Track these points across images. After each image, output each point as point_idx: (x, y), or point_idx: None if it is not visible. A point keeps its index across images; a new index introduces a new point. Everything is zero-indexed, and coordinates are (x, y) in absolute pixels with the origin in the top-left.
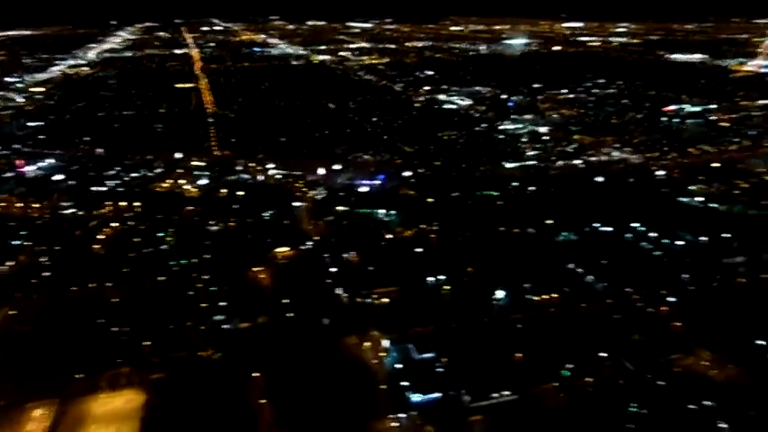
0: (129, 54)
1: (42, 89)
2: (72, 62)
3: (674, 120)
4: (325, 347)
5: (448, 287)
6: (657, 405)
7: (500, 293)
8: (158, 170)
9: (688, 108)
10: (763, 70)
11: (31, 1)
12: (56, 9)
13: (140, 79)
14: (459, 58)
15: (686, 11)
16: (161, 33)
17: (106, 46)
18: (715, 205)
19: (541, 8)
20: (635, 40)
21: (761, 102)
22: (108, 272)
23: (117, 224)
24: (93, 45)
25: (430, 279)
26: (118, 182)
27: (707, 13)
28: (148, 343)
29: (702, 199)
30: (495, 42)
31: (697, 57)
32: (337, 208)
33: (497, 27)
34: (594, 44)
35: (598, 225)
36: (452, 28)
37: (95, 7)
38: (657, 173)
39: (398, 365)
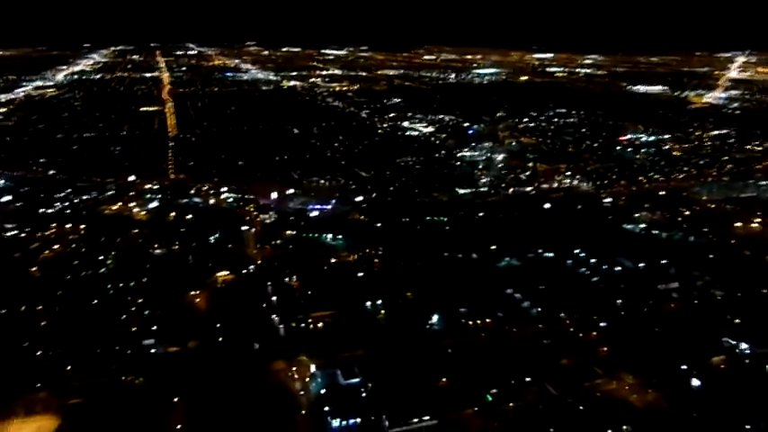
0: (98, 76)
1: (3, 110)
2: (39, 83)
3: (628, 149)
4: (251, 373)
5: (383, 312)
6: (576, 429)
7: (434, 318)
8: (110, 193)
9: (643, 138)
10: (719, 102)
11: (4, 22)
12: (30, 31)
13: (105, 102)
14: (428, 87)
15: (653, 44)
16: (134, 57)
17: (76, 68)
18: (656, 232)
19: (514, 39)
20: (600, 72)
21: (714, 132)
22: (41, 294)
23: (58, 247)
24: (63, 67)
25: (368, 304)
26: (66, 204)
27: (672, 47)
28: (71, 368)
29: (645, 226)
30: (464, 71)
31: (658, 89)
32: (286, 232)
33: (469, 57)
34: (561, 75)
35: (541, 251)
36: (425, 57)
37: (70, 30)
38: (605, 200)
39: (323, 391)
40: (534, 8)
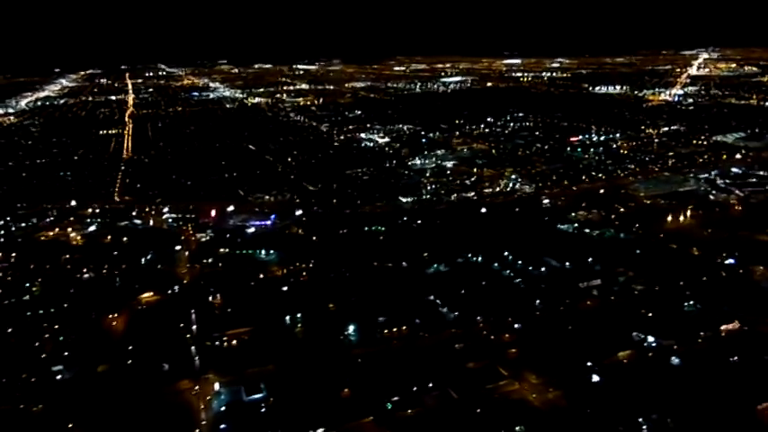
0: (62, 101)
1: None
2: (0, 111)
3: (578, 149)
4: (155, 393)
5: (300, 326)
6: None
7: (350, 329)
8: (49, 219)
9: (594, 138)
10: (674, 99)
11: None
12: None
13: (65, 127)
14: (392, 98)
15: (620, 45)
16: (103, 80)
17: (42, 94)
18: (588, 230)
19: (486, 47)
20: (565, 75)
21: (664, 129)
22: None
23: None
24: (28, 93)
25: (287, 318)
26: (2, 232)
27: (640, 47)
28: None
29: (577, 225)
30: (431, 81)
31: (618, 89)
32: (219, 250)
33: (439, 66)
34: (526, 79)
35: (470, 255)
36: (395, 68)
37: (40, 56)
38: (544, 201)
39: (223, 408)
40: (508, 15)
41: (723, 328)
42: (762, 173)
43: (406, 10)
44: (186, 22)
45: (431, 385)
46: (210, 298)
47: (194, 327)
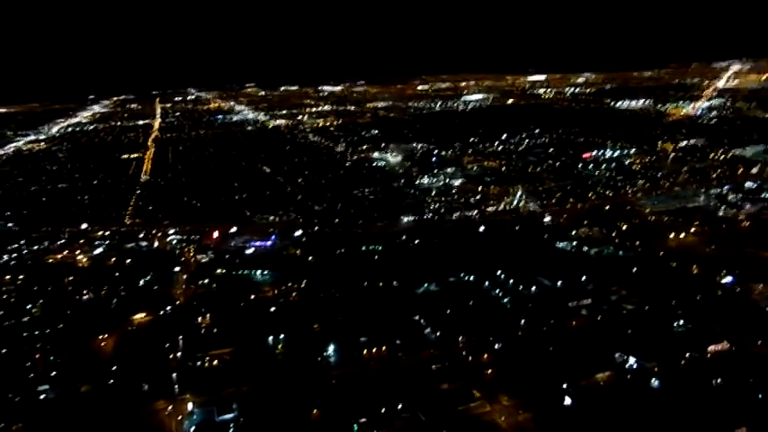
0: (91, 127)
1: None
2: (32, 137)
3: (589, 166)
4: (130, 413)
5: (281, 347)
6: None
7: (331, 349)
8: (60, 242)
9: (608, 153)
10: (698, 113)
11: (11, 79)
12: (37, 86)
13: (89, 152)
14: (411, 117)
15: (649, 58)
16: (133, 105)
17: (74, 120)
18: (586, 248)
19: (511, 63)
20: (588, 90)
21: (682, 144)
22: None
23: None
24: (60, 120)
25: (270, 338)
26: (14, 255)
27: (670, 60)
28: None
29: (576, 243)
30: (452, 99)
31: (641, 103)
32: (217, 271)
33: (462, 84)
34: (548, 96)
35: (463, 275)
36: (419, 87)
37: (76, 83)
38: (546, 219)
39: (193, 428)
40: (534, 31)
41: (710, 348)
42: None
43: (432, 29)
44: (216, 46)
45: (400, 407)
46: (200, 318)
47: (180, 347)
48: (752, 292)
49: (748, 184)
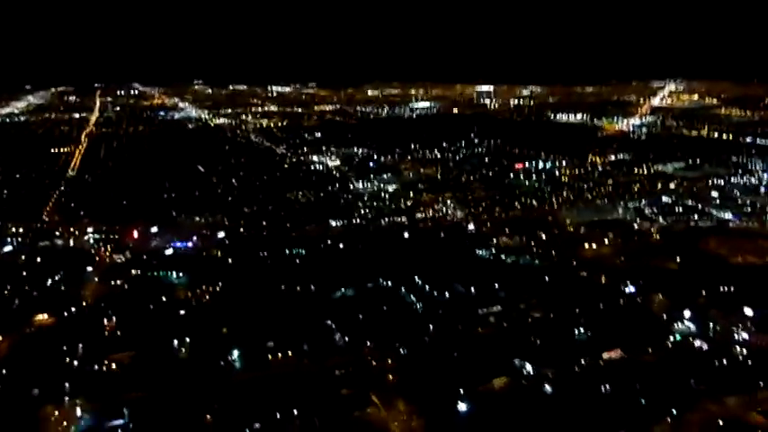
0: (23, 119)
1: None
2: None
3: (520, 176)
4: (14, 419)
5: (186, 350)
6: None
7: (236, 354)
8: None
9: (540, 165)
10: (630, 129)
11: None
12: None
13: (18, 144)
14: (357, 122)
15: (594, 74)
16: (72, 98)
17: (5, 110)
18: (503, 256)
19: (462, 73)
20: (532, 103)
21: (611, 157)
22: None
23: None
24: None
25: (175, 342)
26: None
27: (612, 77)
28: None
29: (495, 252)
30: (400, 105)
31: (578, 117)
32: (131, 272)
33: (413, 91)
34: (492, 106)
35: (381, 280)
36: (369, 92)
37: (12, 71)
38: (470, 227)
39: None
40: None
41: (605, 356)
42: (690, 202)
43: (387, 36)
44: (165, 41)
45: (296, 412)
46: (105, 321)
47: (79, 350)
48: (651, 302)
49: (665, 199)
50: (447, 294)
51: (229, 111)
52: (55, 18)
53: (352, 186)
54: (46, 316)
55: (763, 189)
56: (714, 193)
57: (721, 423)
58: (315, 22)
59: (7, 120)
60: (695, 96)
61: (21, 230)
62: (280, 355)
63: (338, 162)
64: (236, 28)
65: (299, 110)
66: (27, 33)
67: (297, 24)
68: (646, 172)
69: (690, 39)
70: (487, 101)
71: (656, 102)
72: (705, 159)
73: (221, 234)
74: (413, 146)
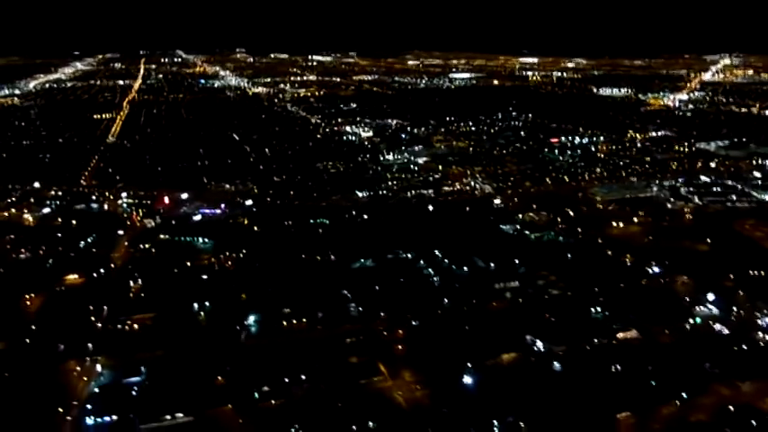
0: (69, 85)
1: None
2: (6, 92)
3: (555, 151)
4: (39, 371)
5: (205, 314)
6: (325, 424)
7: (252, 319)
8: (9, 200)
9: (577, 140)
10: (676, 104)
11: None
12: (22, 39)
13: (63, 110)
14: (394, 92)
15: (643, 47)
16: (117, 64)
17: (53, 76)
18: (528, 233)
19: (507, 44)
20: (576, 75)
21: (652, 134)
22: None
23: None
24: (40, 76)
25: (195, 306)
26: None
27: (663, 50)
28: None
29: (519, 227)
30: (440, 76)
31: (623, 91)
32: (160, 236)
33: (454, 61)
34: (534, 78)
35: (400, 252)
36: (410, 62)
37: (63, 38)
38: (496, 201)
39: (97, 389)
40: (534, 13)
41: (620, 336)
42: (729, 182)
43: (431, 4)
44: (209, 8)
45: (304, 378)
46: (131, 283)
47: (105, 310)
48: (675, 283)
49: (703, 178)
50: (465, 268)
51: (268, 80)
52: None
53: (382, 158)
54: (76, 276)
55: None
56: (757, 174)
57: (732, 409)
58: None
59: (54, 86)
60: (750, 71)
61: (59, 194)
62: (294, 321)
63: (371, 133)
64: None
65: (338, 79)
66: (78, 0)
67: None
68: (686, 149)
69: (750, 10)
70: (530, 73)
71: (707, 76)
72: (751, 138)
73: (249, 202)
74: (448, 118)
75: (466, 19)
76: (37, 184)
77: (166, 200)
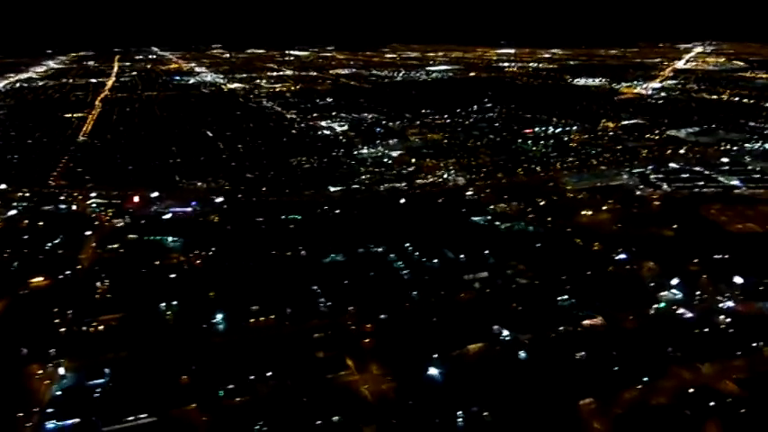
0: (41, 83)
1: None
2: None
3: (528, 142)
4: (1, 376)
5: (172, 313)
6: (292, 419)
7: (219, 317)
8: None
9: (550, 130)
10: (648, 92)
11: None
12: None
13: (33, 109)
14: (370, 86)
15: (619, 37)
16: (90, 63)
17: (24, 75)
18: (498, 223)
19: (484, 36)
20: (551, 66)
21: (624, 122)
22: None
23: None
24: (10, 75)
25: (162, 305)
26: None
27: (638, 39)
28: None
29: (490, 218)
30: (417, 69)
31: (597, 81)
32: (128, 236)
33: (431, 54)
34: (511, 69)
35: (371, 246)
36: (387, 56)
37: (34, 37)
38: (468, 193)
39: (59, 392)
40: (511, 4)
41: (585, 323)
42: (697, 168)
43: None
44: (184, 5)
45: (269, 374)
46: (98, 284)
47: (70, 311)
48: (641, 269)
49: (672, 165)
50: (435, 261)
51: (244, 75)
52: None
53: (356, 152)
54: (41, 279)
55: None
56: (724, 159)
57: (691, 390)
58: None
59: (25, 85)
60: (722, 59)
61: (27, 195)
62: (262, 318)
63: (346, 127)
64: None
65: (314, 74)
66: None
67: None
68: (657, 137)
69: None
70: (506, 64)
71: (680, 64)
72: (720, 124)
73: (220, 199)
74: (423, 111)
75: (444, 12)
76: (3, 186)
77: (136, 199)
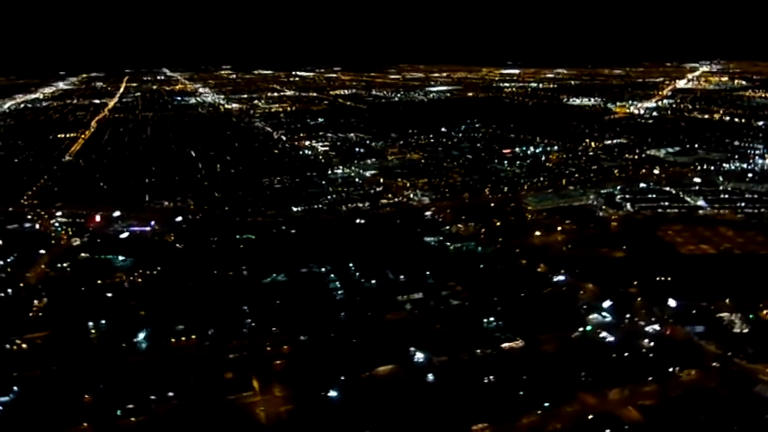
0: (45, 104)
1: None
2: None
3: (504, 162)
4: None
5: (97, 331)
6: None
7: (142, 336)
8: None
9: (530, 150)
10: (641, 112)
11: None
12: (8, 59)
13: (29, 129)
14: (366, 106)
15: (626, 56)
16: (99, 83)
17: (31, 96)
18: (449, 243)
19: (491, 55)
20: (551, 85)
21: (607, 142)
22: None
23: None
24: (19, 96)
25: (90, 323)
26: None
27: (645, 58)
28: None
29: (442, 238)
30: (417, 90)
31: (592, 101)
32: (81, 255)
33: (435, 74)
34: (509, 90)
35: (315, 266)
36: (391, 76)
37: (50, 58)
38: (426, 213)
39: None
40: (518, 25)
41: (504, 345)
42: (667, 188)
43: (418, 18)
44: (196, 27)
45: (171, 394)
46: (36, 302)
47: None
48: (578, 291)
49: (642, 185)
50: (374, 281)
51: (245, 96)
52: (92, 4)
53: (330, 172)
54: None
55: (750, 175)
56: (696, 179)
57: (590, 417)
58: (347, 6)
59: (29, 105)
60: (725, 78)
61: None
62: (183, 338)
63: (327, 147)
64: (267, 13)
65: (314, 94)
66: (65, 20)
67: (325, 6)
68: (636, 157)
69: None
70: (507, 84)
71: (681, 84)
72: (704, 144)
73: (179, 218)
74: (410, 131)
75: (451, 32)
76: None
77: (98, 218)
